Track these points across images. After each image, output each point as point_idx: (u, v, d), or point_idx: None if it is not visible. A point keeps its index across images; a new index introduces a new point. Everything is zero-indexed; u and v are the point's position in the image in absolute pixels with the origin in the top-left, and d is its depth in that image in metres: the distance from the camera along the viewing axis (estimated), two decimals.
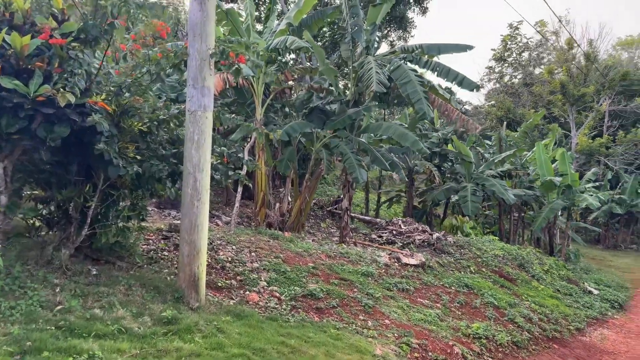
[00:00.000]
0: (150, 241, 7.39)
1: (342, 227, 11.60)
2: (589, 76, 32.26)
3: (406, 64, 10.62)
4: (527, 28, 53.78)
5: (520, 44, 41.48)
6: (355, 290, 7.07)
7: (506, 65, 42.40)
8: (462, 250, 11.72)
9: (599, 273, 16.55)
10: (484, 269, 10.96)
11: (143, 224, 6.93)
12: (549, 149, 18.64)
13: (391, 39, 19.27)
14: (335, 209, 16.67)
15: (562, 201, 16.18)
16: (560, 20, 28.40)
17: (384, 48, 14.27)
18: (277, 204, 12.05)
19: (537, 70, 40.89)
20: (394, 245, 12.15)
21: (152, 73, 5.65)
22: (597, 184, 20.76)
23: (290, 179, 12.64)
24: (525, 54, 41.94)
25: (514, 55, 41.86)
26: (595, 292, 13.04)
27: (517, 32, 41.05)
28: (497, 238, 14.92)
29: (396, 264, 9.25)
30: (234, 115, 7.68)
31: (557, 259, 15.49)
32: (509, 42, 41.71)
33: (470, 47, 10.87)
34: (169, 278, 5.92)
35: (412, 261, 9.53)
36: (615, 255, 23.91)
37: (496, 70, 42.69)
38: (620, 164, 31.34)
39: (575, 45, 31.43)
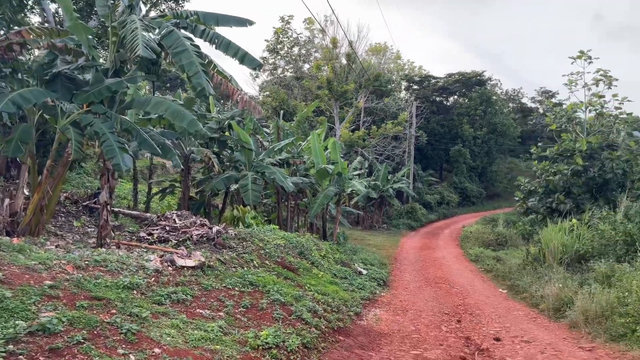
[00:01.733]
0: None
1: (100, 225, 9.38)
2: (350, 75, 35.71)
3: (180, 30, 9.04)
4: (297, 23, 57.39)
5: (291, 38, 43.43)
6: (114, 311, 5.34)
7: (279, 57, 43.88)
8: (244, 243, 10.84)
9: (364, 252, 18.00)
10: (267, 262, 10.31)
11: None
12: (321, 139, 19.46)
13: (162, 9, 17.16)
14: (95, 203, 13.92)
15: (335, 188, 16.96)
16: (335, 15, 30.24)
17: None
18: (7, 200, 9.08)
19: (307, 66, 43.58)
20: (167, 243, 10.48)
21: None
22: (360, 171, 22.73)
23: (28, 167, 9.71)
24: (296, 49, 44.13)
25: (286, 48, 43.61)
26: (364, 272, 13.88)
27: (288, 26, 42.81)
28: (277, 227, 14.64)
29: (170, 268, 7.72)
30: None
31: (331, 243, 16.17)
32: (281, 35, 43.23)
33: (251, 22, 9.96)
34: None
35: (190, 262, 8.15)
36: (371, 235, 26.96)
37: (270, 61, 43.79)
38: (373, 155, 35.81)
39: (340, 44, 34.28)
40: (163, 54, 9.26)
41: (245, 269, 9.25)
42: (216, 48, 9.35)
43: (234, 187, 16.57)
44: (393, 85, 47.49)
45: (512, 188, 48.28)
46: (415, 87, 50.15)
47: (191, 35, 9.23)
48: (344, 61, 35.13)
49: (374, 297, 11.48)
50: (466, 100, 50.26)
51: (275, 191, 18.07)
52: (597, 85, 24.15)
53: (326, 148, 18.65)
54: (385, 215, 33.02)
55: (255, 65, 9.49)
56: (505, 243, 20.49)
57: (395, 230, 29.94)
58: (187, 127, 8.56)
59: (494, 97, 51.58)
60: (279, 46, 43.30)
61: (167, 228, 11.79)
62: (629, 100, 23.81)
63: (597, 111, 24.69)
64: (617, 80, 23.82)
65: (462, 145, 44.81)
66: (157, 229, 11.82)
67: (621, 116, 24.26)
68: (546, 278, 11.57)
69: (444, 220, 36.94)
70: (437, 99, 50.20)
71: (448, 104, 51.94)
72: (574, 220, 16.15)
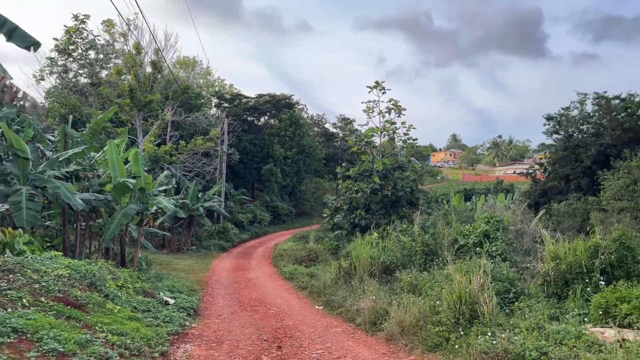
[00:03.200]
0: None
1: None
2: (156, 84, 33.10)
3: None
4: (95, 24, 51.39)
5: (87, 40, 38.65)
6: None
7: (71, 60, 38.53)
8: (11, 276, 8.33)
9: (171, 279, 16.17)
10: (43, 299, 8.04)
11: None
12: (120, 150, 17.06)
13: None
14: None
15: (136, 205, 14.84)
16: (142, 14, 27.63)
17: None
18: None
19: (105, 72, 39.17)
20: None
21: None
22: (167, 187, 20.74)
23: None
24: (93, 53, 39.40)
25: (80, 50, 38.58)
26: (172, 301, 12.22)
27: (83, 26, 38.03)
28: (60, 253, 11.95)
29: None
30: None
31: (131, 270, 13.99)
32: (74, 36, 38.14)
33: None
34: None
35: None
36: (179, 258, 24.86)
37: (59, 63, 38.09)
38: (182, 171, 33.64)
39: (144, 50, 31.52)
40: None
41: (10, 310, 6.96)
42: None
43: (2, 206, 13.15)
44: (203, 100, 46.05)
45: (318, 206, 51.11)
46: (226, 104, 49.60)
47: None
48: (149, 69, 32.40)
49: (184, 330, 10.01)
50: (277, 122, 51.71)
51: (60, 211, 14.99)
52: (389, 113, 26.99)
53: (127, 161, 16.37)
54: (195, 237, 31.10)
55: (29, 43, 7.33)
56: (316, 258, 20.91)
57: (205, 252, 28.30)
58: None
59: (302, 120, 54.27)
60: (71, 47, 38.02)
61: None
62: (414, 128, 27.22)
63: (390, 136, 27.54)
64: (405, 109, 27.03)
65: (273, 164, 45.67)
66: None
67: (408, 141, 27.51)
68: (359, 291, 11.75)
69: (257, 239, 36.70)
70: (249, 118, 50.49)
71: (259, 123, 52.69)
72: (374, 234, 17.24)
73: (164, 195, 18.57)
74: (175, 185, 29.75)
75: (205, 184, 35.30)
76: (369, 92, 26.82)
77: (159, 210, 19.00)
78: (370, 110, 27.15)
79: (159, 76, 33.00)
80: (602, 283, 8.12)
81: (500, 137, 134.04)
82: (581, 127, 28.83)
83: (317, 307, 12.72)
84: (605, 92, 27.54)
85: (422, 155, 50.10)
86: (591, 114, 28.41)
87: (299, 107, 57.98)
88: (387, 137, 27.56)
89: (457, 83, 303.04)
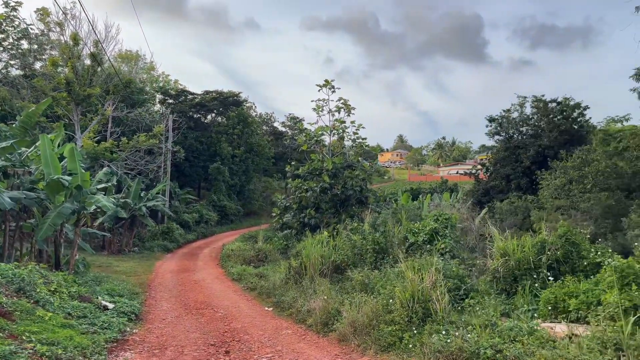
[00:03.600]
0: None
1: None
2: (95, 78, 31.35)
3: None
4: (27, 12, 48.19)
5: (19, 29, 36.12)
6: None
7: (1, 49, 35.88)
8: None
9: (110, 282, 15.25)
10: None
11: None
12: (55, 146, 15.89)
13: None
14: None
15: (72, 204, 13.84)
16: (80, 3, 26.05)
17: None
18: None
19: (40, 64, 36.77)
20: None
21: None
22: (106, 184, 19.56)
23: None
24: (26, 43, 36.88)
25: (11, 39, 35.99)
26: (111, 306, 11.45)
27: (14, 13, 35.52)
28: None
29: None
30: None
31: (66, 274, 13.02)
32: (5, 24, 35.54)
33: None
34: None
35: None
36: (121, 260, 23.63)
37: None
38: (123, 169, 32.07)
39: (83, 42, 29.75)
40: None
41: None
42: None
43: None
44: (146, 96, 44.22)
45: (267, 205, 50.42)
46: (171, 101, 47.93)
47: None
48: (88, 62, 30.63)
49: (124, 337, 9.36)
50: (224, 119, 50.55)
51: None
52: (339, 112, 26.95)
53: (62, 158, 15.26)
54: (137, 237, 29.68)
55: None
56: (265, 259, 20.48)
57: (148, 254, 27.08)
58: None
59: (250, 119, 53.37)
60: (1, 36, 35.39)
61: None
62: (363, 127, 27.33)
63: (339, 135, 27.52)
64: (354, 108, 27.09)
65: (221, 163, 44.55)
66: None
67: (358, 140, 27.58)
68: (310, 291, 11.50)
69: (204, 239, 35.64)
70: (195, 115, 49.01)
71: (206, 121, 51.30)
72: (325, 233, 17.07)
73: (104, 194, 17.47)
74: (116, 184, 28.23)
75: (148, 182, 33.84)
76: (319, 90, 26.65)
77: (98, 210, 17.93)
78: (320, 109, 26.97)
79: (99, 69, 31.30)
80: (550, 279, 8.35)
81: (444, 138, 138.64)
82: (521, 129, 30.12)
83: (266, 308, 12.35)
84: (543, 95, 28.97)
85: (370, 155, 50.78)
86: (530, 116, 29.74)
87: (247, 105, 57.08)
88: (336, 136, 27.50)
89: (403, 85, 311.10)
